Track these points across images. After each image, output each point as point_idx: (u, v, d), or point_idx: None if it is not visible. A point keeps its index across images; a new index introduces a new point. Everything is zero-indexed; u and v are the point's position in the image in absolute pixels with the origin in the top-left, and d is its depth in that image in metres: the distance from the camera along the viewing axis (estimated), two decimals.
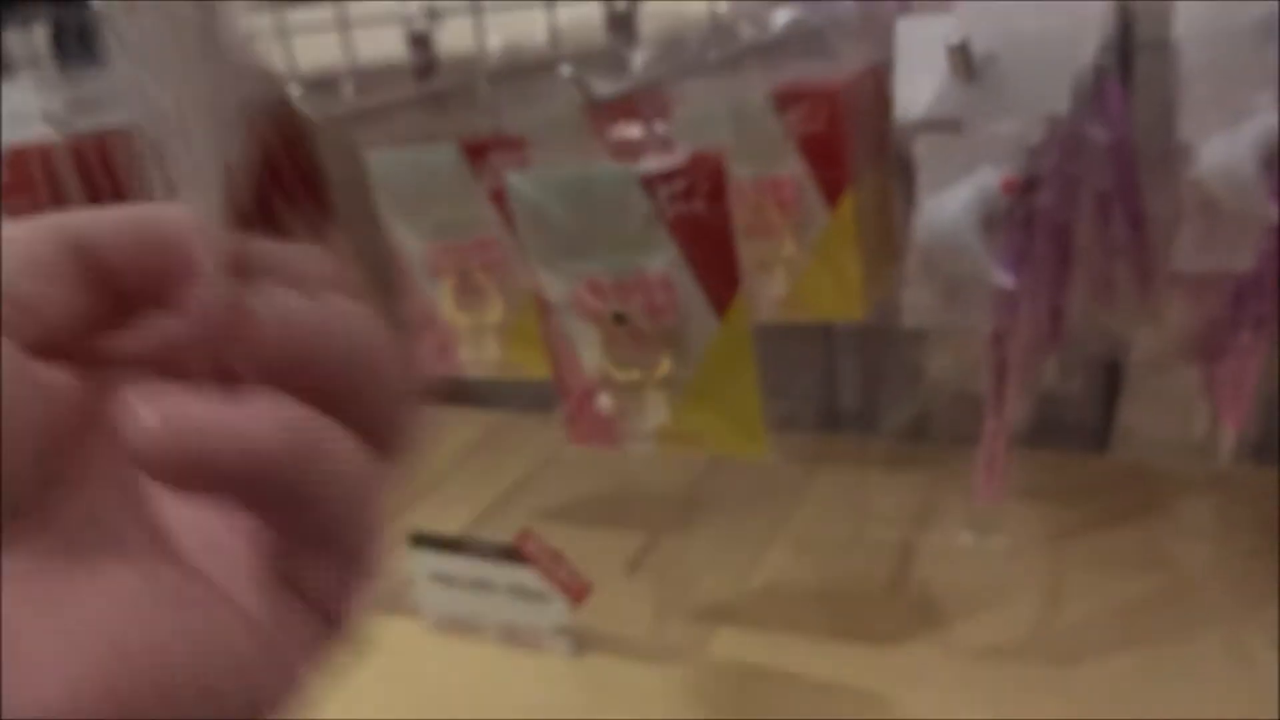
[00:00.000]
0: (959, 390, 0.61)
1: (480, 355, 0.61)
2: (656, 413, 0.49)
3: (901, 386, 0.75)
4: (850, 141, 0.53)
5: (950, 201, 0.43)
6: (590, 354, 0.49)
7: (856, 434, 0.80)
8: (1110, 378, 0.70)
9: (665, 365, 0.48)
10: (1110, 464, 0.67)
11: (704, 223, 0.45)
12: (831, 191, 0.54)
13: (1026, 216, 0.43)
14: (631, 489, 0.71)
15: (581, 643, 0.56)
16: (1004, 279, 0.42)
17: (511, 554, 0.55)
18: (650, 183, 0.45)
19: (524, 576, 0.56)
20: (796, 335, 0.77)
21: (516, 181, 0.47)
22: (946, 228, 0.43)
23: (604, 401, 0.49)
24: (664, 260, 0.45)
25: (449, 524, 0.67)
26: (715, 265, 0.45)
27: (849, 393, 0.81)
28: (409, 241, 0.57)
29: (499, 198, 0.51)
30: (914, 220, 0.45)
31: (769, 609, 0.58)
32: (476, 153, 0.54)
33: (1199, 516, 0.61)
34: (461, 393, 0.89)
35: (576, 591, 0.55)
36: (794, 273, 0.62)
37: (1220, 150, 0.42)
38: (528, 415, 0.83)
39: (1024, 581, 0.57)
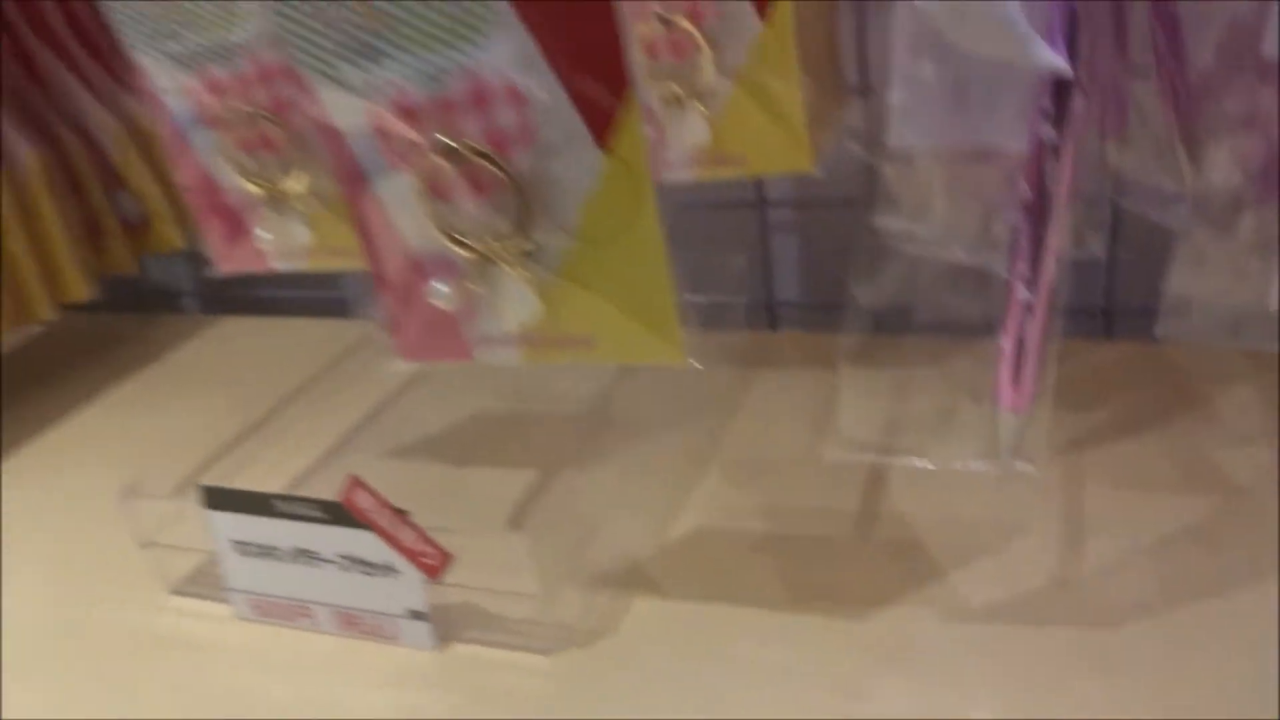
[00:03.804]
0: (939, 260, 0.46)
1: (285, 239, 0.44)
2: (519, 303, 0.33)
3: (859, 264, 0.60)
4: None
5: None
6: (411, 220, 0.32)
7: (802, 330, 0.65)
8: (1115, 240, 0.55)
9: (526, 230, 0.31)
10: (1127, 349, 0.53)
11: None
12: None
13: None
14: (506, 413, 0.55)
15: (446, 629, 0.41)
16: (1053, 59, 0.26)
17: (337, 513, 0.39)
18: None
19: (359, 543, 0.40)
20: (717, 203, 0.61)
21: None
22: None
23: (438, 291, 0.33)
24: (507, 52, 0.29)
25: (270, 478, 0.51)
26: (590, 59, 0.29)
27: (790, 278, 0.66)
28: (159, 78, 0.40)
29: None
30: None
31: (699, 566, 0.43)
32: None
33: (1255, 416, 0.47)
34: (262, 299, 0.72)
35: (433, 560, 0.39)
36: (714, 111, 0.46)
37: None
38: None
39: (1035, 514, 0.42)
